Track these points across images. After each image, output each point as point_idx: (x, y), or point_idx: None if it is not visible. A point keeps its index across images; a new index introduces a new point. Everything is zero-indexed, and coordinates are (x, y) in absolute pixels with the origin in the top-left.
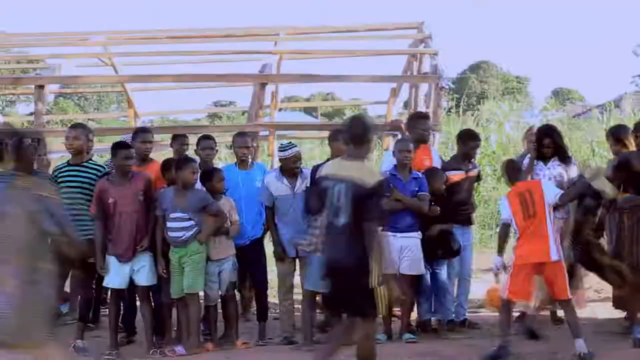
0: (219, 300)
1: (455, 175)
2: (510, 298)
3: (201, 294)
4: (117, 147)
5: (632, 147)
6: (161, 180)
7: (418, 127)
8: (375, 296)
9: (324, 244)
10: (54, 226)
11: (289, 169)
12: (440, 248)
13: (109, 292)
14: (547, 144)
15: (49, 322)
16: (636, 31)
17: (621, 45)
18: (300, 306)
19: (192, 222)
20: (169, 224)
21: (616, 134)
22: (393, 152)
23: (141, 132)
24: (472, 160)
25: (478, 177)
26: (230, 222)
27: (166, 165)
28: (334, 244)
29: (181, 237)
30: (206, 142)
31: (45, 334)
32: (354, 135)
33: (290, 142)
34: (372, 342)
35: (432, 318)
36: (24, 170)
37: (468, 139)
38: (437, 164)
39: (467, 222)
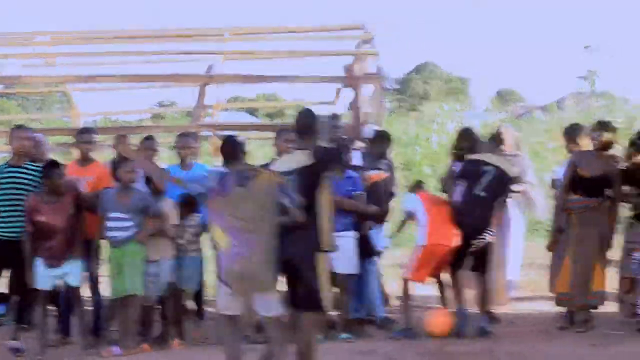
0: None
1: (378, 175)
2: (412, 279)
3: None
4: (51, 166)
5: (583, 146)
6: (106, 181)
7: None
8: (322, 291)
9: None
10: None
11: None
12: (367, 246)
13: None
14: (462, 146)
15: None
16: (580, 32)
17: (563, 47)
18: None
19: (131, 223)
20: (108, 224)
21: (569, 134)
22: None
23: (84, 132)
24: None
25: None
26: (171, 223)
27: (115, 165)
28: (290, 236)
29: (119, 237)
30: (148, 142)
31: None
32: (300, 127)
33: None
34: (314, 339)
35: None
36: None
37: (383, 140)
38: (358, 163)
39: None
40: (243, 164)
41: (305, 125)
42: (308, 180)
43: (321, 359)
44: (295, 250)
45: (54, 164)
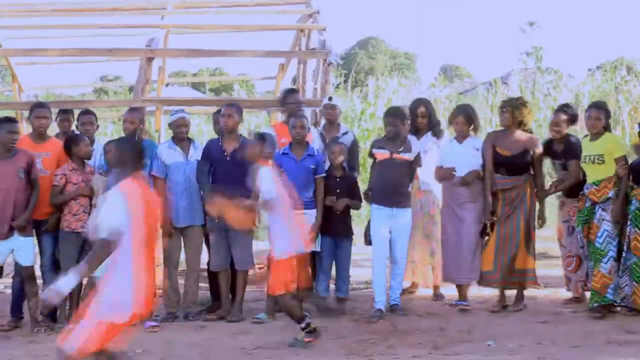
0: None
1: (378, 154)
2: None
3: None
4: (2, 121)
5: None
6: (63, 158)
7: (288, 101)
8: None
9: None
10: None
11: (176, 134)
12: (343, 224)
13: None
14: (422, 113)
15: None
16: (523, 8)
17: (509, 23)
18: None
19: None
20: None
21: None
22: (289, 129)
23: (37, 107)
24: (406, 141)
25: (415, 162)
26: None
27: (71, 141)
28: None
29: None
30: (86, 117)
31: None
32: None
33: (181, 109)
34: None
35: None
36: None
37: (384, 117)
38: (317, 142)
39: (399, 203)
40: None
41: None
42: None
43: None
44: None
45: (7, 119)
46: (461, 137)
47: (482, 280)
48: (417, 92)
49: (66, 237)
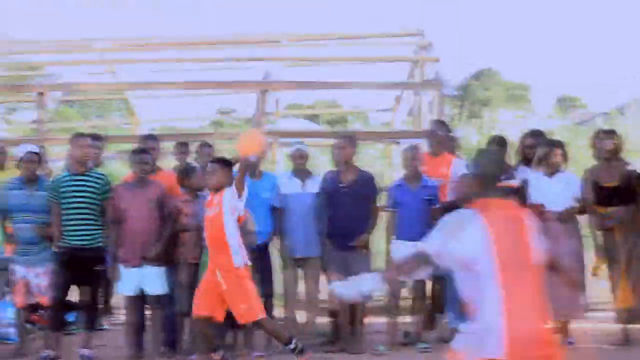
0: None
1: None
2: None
3: None
4: (134, 152)
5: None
6: (174, 189)
7: (429, 134)
8: None
9: None
10: None
11: (294, 165)
12: None
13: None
14: (531, 144)
15: None
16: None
17: (626, 52)
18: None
19: None
20: None
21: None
22: None
23: (148, 140)
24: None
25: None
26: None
27: (184, 173)
28: None
29: None
30: (205, 149)
31: None
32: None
33: (300, 141)
34: None
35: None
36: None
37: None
38: (458, 171)
39: None
40: None
41: None
42: None
43: None
44: None
45: (139, 151)
46: (554, 171)
47: (624, 318)
48: (532, 123)
49: (181, 269)
